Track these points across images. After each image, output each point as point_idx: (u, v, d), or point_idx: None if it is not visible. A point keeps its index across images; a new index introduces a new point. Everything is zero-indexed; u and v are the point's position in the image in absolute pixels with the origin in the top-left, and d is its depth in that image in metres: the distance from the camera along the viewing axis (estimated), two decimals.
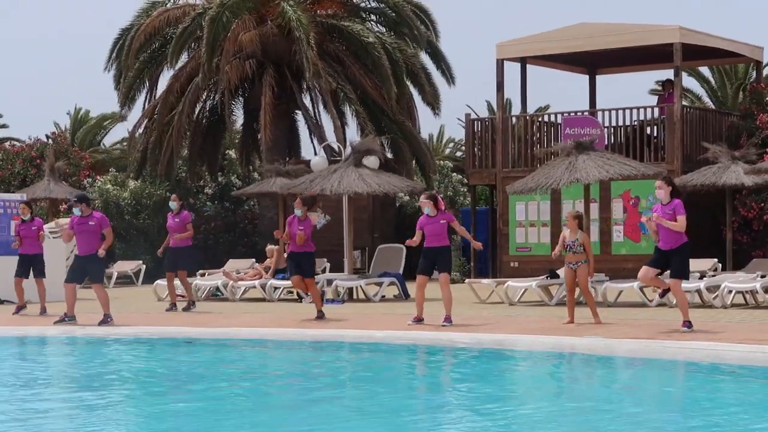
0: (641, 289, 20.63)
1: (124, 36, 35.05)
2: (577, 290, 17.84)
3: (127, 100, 34.69)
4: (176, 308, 21.51)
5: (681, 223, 15.88)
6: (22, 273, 21.34)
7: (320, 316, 18.97)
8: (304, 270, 19.21)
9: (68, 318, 18.89)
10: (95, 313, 19.05)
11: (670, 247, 15.99)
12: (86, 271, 18.88)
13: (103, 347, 17.04)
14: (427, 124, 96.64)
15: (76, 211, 18.90)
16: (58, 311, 19.57)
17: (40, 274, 21.31)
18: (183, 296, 24.94)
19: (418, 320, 17.62)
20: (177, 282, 22.00)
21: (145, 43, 33.81)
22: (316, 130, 33.84)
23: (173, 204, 21.81)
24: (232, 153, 36.90)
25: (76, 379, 13.87)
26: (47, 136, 43.69)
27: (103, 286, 19.18)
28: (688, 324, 15.95)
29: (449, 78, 34.71)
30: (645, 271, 16.25)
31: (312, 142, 34.37)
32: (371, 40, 32.44)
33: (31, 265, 21.28)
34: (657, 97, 32.16)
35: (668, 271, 16.16)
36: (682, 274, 16.14)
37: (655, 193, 16.49)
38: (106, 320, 18.64)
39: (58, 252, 25.43)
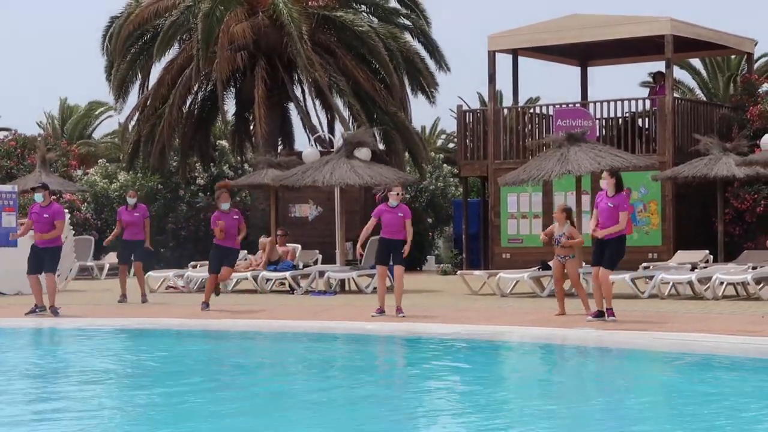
0: (633, 280, 20.70)
1: (113, 24, 34.91)
2: (568, 282, 17.94)
3: (120, 92, 34.59)
4: (126, 300, 21.53)
5: (622, 222, 16.22)
6: None
7: (204, 307, 19.16)
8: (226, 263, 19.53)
9: (39, 309, 18.96)
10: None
11: (608, 238, 16.24)
12: (43, 261, 18.89)
13: (91, 338, 17.05)
14: (421, 116, 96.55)
15: (38, 197, 18.94)
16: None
17: None
18: (174, 287, 24.99)
19: (381, 311, 17.68)
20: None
21: (134, 32, 33.68)
22: (307, 122, 33.81)
23: (131, 200, 22.09)
24: (223, 143, 36.88)
25: (65, 371, 13.88)
26: (38, 124, 43.56)
27: (54, 278, 19.11)
28: (609, 312, 16.15)
29: (443, 66, 34.62)
30: (595, 271, 16.46)
31: (306, 132, 34.33)
32: (365, 28, 32.41)
33: None
34: (648, 89, 32.17)
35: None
36: (611, 264, 16.37)
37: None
38: (54, 311, 18.72)
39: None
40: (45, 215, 18.82)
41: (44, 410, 10.80)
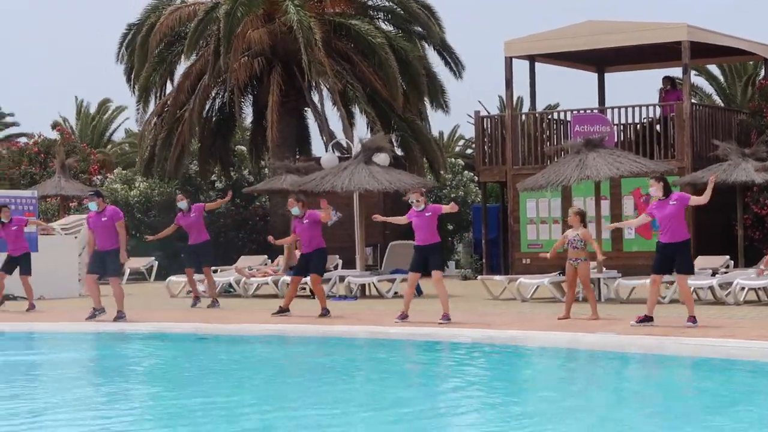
0: None
1: (132, 31, 35.06)
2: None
3: (142, 98, 34.72)
4: (200, 302, 21.58)
5: (700, 198, 16.66)
6: (6, 270, 21.37)
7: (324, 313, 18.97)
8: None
9: (98, 311, 18.99)
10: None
11: (675, 241, 16.31)
12: (105, 265, 18.95)
13: (123, 342, 17.18)
14: (440, 121, 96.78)
15: (93, 206, 18.91)
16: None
17: (25, 271, 21.29)
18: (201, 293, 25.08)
19: (404, 317, 17.62)
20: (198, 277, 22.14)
21: (160, 42, 33.83)
22: (325, 128, 33.92)
23: (183, 204, 21.70)
24: (243, 148, 37.04)
25: (105, 373, 13.99)
26: (52, 126, 43.61)
27: (119, 282, 19.26)
28: (693, 319, 16.13)
29: (458, 74, 34.75)
30: (654, 278, 16.53)
31: (323, 138, 34.45)
32: (379, 40, 32.39)
33: (18, 264, 21.26)
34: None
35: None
36: (688, 269, 16.60)
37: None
38: (120, 317, 18.76)
39: (69, 248, 25.60)
40: (103, 219, 18.81)
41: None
